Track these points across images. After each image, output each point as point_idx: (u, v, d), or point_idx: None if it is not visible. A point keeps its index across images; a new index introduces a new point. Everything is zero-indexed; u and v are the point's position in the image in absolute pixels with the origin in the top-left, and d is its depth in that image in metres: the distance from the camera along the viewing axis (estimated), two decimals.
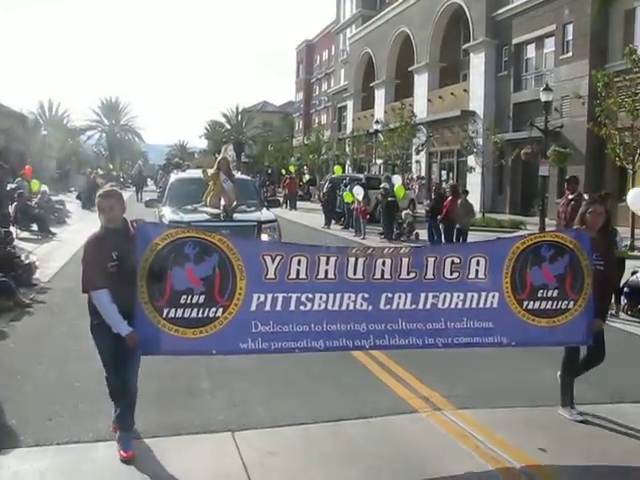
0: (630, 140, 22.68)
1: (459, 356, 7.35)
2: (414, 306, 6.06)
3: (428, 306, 6.09)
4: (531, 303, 6.30)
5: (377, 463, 5.71)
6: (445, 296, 6.12)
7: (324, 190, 31.92)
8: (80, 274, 5.57)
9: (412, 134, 41.48)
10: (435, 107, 46.06)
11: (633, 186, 23.33)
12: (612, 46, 30.18)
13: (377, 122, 45.79)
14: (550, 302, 6.34)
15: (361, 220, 25.35)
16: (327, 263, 5.88)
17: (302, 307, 5.87)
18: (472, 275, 6.15)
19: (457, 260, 6.13)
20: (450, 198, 19.79)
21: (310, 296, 5.88)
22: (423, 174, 47.22)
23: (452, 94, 44.34)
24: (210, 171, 13.60)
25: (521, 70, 38.43)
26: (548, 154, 27.82)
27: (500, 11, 38.90)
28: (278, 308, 5.81)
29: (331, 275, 5.89)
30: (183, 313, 5.62)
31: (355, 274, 5.93)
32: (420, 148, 42.72)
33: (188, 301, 5.63)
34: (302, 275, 5.83)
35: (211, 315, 5.68)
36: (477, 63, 41.01)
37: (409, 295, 6.05)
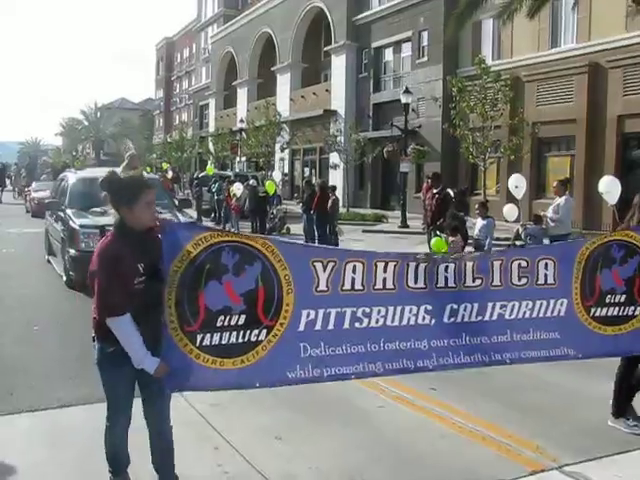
0: (481, 140, 25.15)
1: None
2: (480, 317, 5.38)
3: (495, 317, 5.43)
4: (598, 310, 5.75)
5: (301, 406, 7.06)
6: (514, 305, 5.47)
7: (195, 188, 33.08)
8: None
9: (276, 132, 43.10)
10: (298, 106, 47.77)
11: (485, 181, 25.87)
12: (463, 53, 32.78)
13: (242, 121, 47.08)
14: (617, 308, 5.83)
15: (234, 216, 26.65)
16: (385, 270, 5.05)
17: (357, 324, 5.02)
18: (541, 280, 5.55)
19: (524, 263, 5.49)
20: (319, 194, 21.05)
21: (367, 310, 5.03)
22: (286, 171, 48.81)
23: (314, 94, 46.21)
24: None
25: (380, 72, 40.69)
26: (409, 152, 29.97)
27: (360, 16, 41.10)
28: (330, 326, 4.92)
29: (390, 285, 5.07)
30: (221, 339, 4.58)
31: (416, 282, 5.15)
32: (284, 146, 44.24)
33: (226, 323, 4.58)
34: (358, 285, 4.97)
35: (253, 339, 4.67)
36: (338, 65, 42.97)
37: (475, 305, 5.36)
